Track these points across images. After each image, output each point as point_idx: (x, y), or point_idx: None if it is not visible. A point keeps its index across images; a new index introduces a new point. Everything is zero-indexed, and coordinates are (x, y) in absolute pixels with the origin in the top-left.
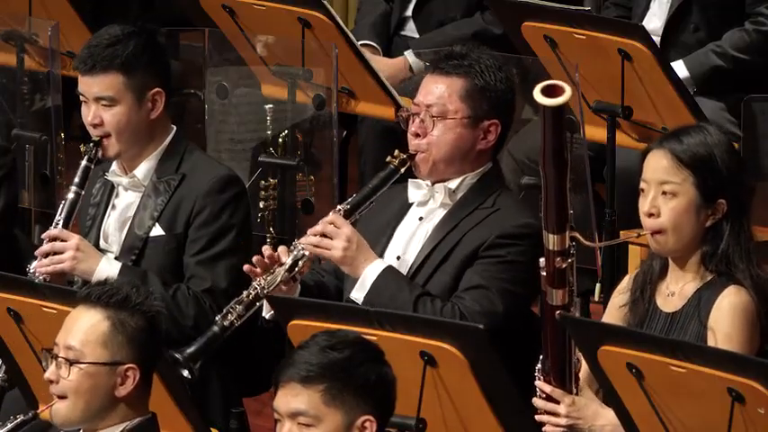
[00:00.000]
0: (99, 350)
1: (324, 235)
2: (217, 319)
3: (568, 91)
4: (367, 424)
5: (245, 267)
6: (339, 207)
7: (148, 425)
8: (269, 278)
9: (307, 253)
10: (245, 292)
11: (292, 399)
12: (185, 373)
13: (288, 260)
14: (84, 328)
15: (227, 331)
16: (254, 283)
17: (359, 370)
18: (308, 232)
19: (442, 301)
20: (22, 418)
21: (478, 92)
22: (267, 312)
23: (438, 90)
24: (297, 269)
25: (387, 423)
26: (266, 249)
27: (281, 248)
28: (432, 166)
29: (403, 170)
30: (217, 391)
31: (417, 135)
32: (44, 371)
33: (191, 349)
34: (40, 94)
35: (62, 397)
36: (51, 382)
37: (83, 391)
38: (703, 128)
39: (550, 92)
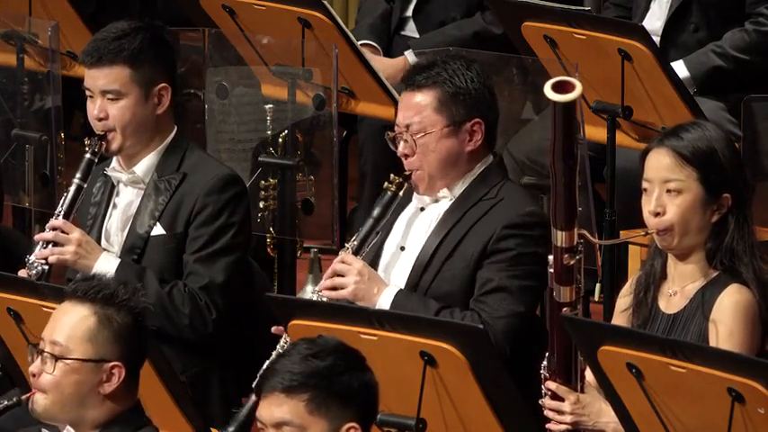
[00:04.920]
0: (85, 346)
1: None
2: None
3: (579, 87)
4: (351, 431)
5: (274, 329)
6: (347, 245)
7: (131, 415)
8: None
9: (325, 299)
10: (274, 352)
11: (276, 409)
12: None
13: None
14: (71, 323)
15: None
16: (281, 341)
17: (342, 378)
18: (324, 277)
19: (462, 309)
20: (5, 403)
21: (451, 99)
22: None
23: (412, 108)
24: None
25: (370, 428)
26: None
27: None
28: (428, 181)
29: (401, 193)
30: (217, 391)
31: (406, 156)
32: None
33: (232, 428)
34: (40, 94)
35: (43, 391)
36: (33, 375)
37: (64, 386)
38: (701, 124)
39: (560, 88)
